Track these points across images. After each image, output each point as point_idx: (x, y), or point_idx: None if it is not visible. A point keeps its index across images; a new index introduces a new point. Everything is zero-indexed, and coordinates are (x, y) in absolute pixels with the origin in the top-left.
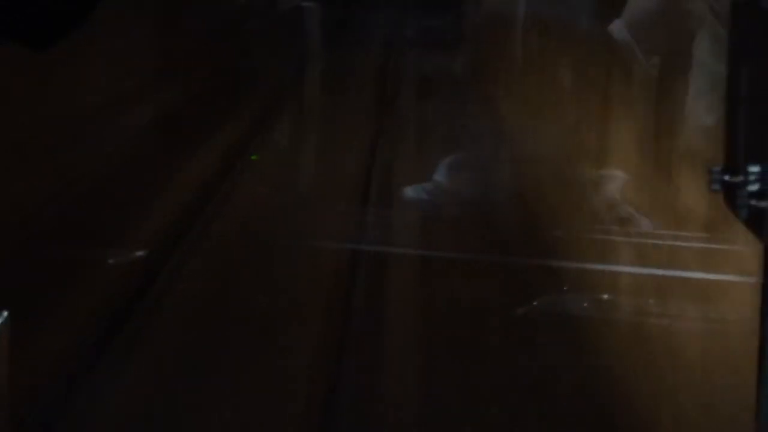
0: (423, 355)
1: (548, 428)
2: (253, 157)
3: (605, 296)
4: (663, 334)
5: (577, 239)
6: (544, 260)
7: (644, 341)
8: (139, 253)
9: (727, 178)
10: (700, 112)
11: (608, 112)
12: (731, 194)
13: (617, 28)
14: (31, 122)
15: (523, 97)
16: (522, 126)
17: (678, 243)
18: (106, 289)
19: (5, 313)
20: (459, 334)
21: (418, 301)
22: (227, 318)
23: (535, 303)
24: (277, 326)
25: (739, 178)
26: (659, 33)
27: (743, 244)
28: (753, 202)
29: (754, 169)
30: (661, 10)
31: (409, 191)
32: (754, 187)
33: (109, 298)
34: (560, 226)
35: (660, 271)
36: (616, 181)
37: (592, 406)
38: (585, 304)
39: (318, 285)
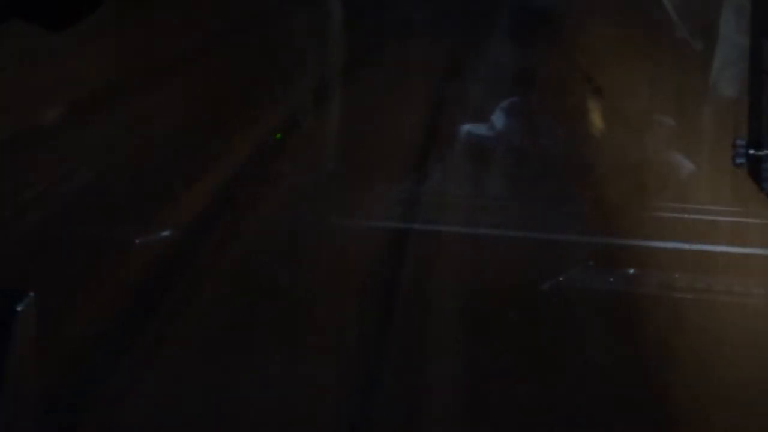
0: None
1: None
2: (278, 137)
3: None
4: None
5: None
6: None
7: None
8: None
9: (751, 151)
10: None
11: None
12: (756, 167)
13: None
14: None
15: None
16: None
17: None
18: None
19: (31, 294)
20: None
21: None
22: None
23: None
24: None
25: (764, 152)
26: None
27: None
28: None
29: None
30: None
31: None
32: None
33: None
34: None
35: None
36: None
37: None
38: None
39: None
